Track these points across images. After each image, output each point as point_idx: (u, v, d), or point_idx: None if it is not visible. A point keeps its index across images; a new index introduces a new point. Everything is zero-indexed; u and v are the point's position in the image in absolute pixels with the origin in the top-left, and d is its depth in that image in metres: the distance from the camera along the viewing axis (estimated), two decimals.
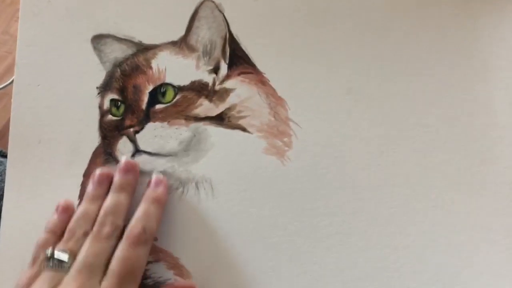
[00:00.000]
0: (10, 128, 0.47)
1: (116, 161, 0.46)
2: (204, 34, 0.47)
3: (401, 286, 0.41)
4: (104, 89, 0.48)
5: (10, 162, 0.47)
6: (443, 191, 0.42)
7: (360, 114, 0.44)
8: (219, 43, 0.47)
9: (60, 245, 0.41)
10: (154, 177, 0.44)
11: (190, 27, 0.47)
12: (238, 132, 0.45)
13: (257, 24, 0.47)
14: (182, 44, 0.47)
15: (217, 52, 0.47)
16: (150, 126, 0.46)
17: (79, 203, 0.45)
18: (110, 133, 0.47)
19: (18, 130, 0.47)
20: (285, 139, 0.45)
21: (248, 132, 0.45)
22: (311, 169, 0.44)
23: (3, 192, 0.47)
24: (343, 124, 0.44)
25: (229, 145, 0.45)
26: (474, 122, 0.43)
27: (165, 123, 0.45)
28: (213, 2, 0.47)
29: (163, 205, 0.43)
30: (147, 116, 0.46)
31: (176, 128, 0.45)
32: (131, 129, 0.46)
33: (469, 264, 0.41)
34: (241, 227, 0.43)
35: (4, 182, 0.47)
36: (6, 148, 0.48)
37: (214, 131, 0.45)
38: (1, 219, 0.46)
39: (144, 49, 0.48)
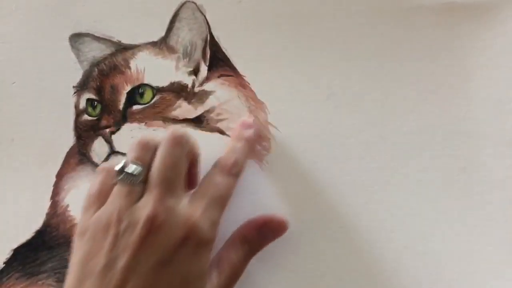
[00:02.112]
0: None
1: (91, 161, 0.45)
2: (185, 35, 0.46)
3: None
4: (80, 88, 0.47)
5: None
6: (423, 198, 0.42)
7: (340, 119, 0.44)
8: (199, 45, 0.46)
9: (133, 157, 0.38)
10: (242, 119, 0.44)
11: (171, 28, 0.46)
12: (216, 135, 0.44)
13: (239, 26, 0.46)
14: (162, 44, 0.47)
15: (198, 54, 0.46)
16: (126, 127, 0.45)
17: (51, 204, 0.44)
18: (85, 133, 0.46)
19: None
20: (264, 143, 0.44)
21: (227, 135, 0.44)
22: (289, 174, 0.43)
23: None
24: (323, 129, 0.44)
25: (207, 148, 0.44)
26: (454, 129, 0.42)
27: (143, 124, 0.45)
28: (194, 3, 0.46)
29: (252, 146, 0.43)
30: (124, 117, 0.45)
31: (154, 130, 0.45)
32: (107, 130, 0.45)
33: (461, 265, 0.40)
34: (219, 230, 0.43)
35: None
36: None
37: (192, 134, 0.44)
38: None
39: (123, 49, 0.47)
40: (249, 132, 0.43)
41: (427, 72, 0.44)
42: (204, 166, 0.43)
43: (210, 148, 0.44)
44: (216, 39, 0.46)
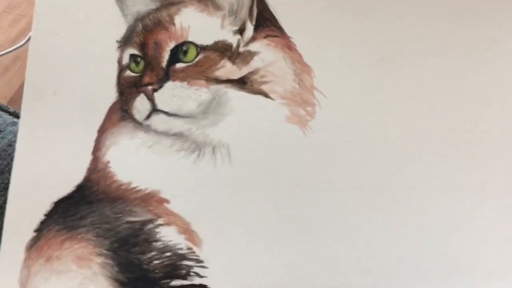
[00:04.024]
0: (26, 77, 0.46)
1: (132, 118, 0.44)
2: None
3: (416, 265, 0.40)
4: (124, 43, 0.46)
5: (23, 112, 0.45)
6: (470, 172, 0.40)
7: (388, 86, 0.42)
8: (246, 3, 0.45)
9: None
10: None
11: None
12: (259, 98, 0.43)
13: None
14: (208, 1, 0.45)
15: (244, 12, 0.45)
16: (169, 85, 0.44)
17: (92, 160, 0.44)
18: (127, 90, 0.45)
19: (34, 80, 0.46)
20: (308, 108, 0.43)
21: (270, 98, 0.43)
22: (333, 140, 0.42)
23: None
24: (370, 96, 0.42)
25: (250, 111, 0.43)
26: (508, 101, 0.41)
27: (185, 83, 0.44)
28: None
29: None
30: (166, 75, 0.44)
31: (196, 89, 0.44)
32: (150, 87, 0.44)
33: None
34: (256, 196, 0.42)
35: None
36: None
37: (235, 95, 0.43)
38: (12, 170, 0.45)
39: (168, 4, 0.46)
40: None
41: (488, 39, 0.41)
42: (245, 127, 0.42)
43: (252, 111, 0.43)
44: None
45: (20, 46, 0.81)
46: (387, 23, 0.43)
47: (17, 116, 0.62)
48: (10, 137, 0.56)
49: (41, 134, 0.45)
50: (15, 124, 0.59)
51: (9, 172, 0.51)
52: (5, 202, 0.48)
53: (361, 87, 0.43)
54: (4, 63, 1.12)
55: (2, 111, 0.62)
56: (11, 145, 0.54)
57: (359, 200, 0.41)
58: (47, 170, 0.44)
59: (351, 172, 0.42)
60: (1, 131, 0.56)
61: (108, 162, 0.44)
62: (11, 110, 0.63)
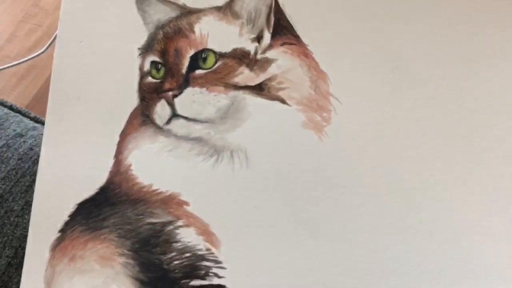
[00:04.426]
0: (51, 83, 0.48)
1: (153, 123, 0.46)
2: (250, 1, 0.46)
3: (431, 269, 0.40)
4: (145, 50, 0.47)
5: (48, 117, 0.47)
6: (486, 179, 0.41)
7: (403, 94, 0.43)
8: (264, 11, 0.46)
9: None
10: None
11: None
12: (277, 104, 0.44)
13: None
14: (227, 10, 0.46)
15: (261, 21, 0.46)
16: (189, 91, 0.45)
17: (115, 163, 0.46)
18: (148, 95, 0.46)
19: (59, 86, 0.48)
20: (324, 114, 0.44)
21: (287, 104, 0.44)
22: (348, 146, 0.43)
23: (38, 157, 0.47)
24: (385, 102, 0.43)
25: (267, 116, 0.44)
26: None
27: (204, 89, 0.45)
28: None
29: None
30: (186, 81, 0.45)
31: (215, 95, 0.45)
32: (170, 93, 0.45)
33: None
34: (273, 199, 0.43)
35: (39, 147, 0.47)
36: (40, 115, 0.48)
37: (252, 101, 0.45)
38: (37, 172, 0.46)
39: (188, 13, 0.47)
40: None
41: (508, 48, 0.42)
42: (262, 132, 0.43)
43: (270, 116, 0.44)
44: (281, 6, 0.46)
45: (37, 55, 0.82)
46: (403, 31, 0.44)
47: (37, 121, 0.64)
48: (31, 141, 0.58)
49: (65, 138, 0.47)
50: (35, 128, 0.60)
51: (30, 175, 0.53)
52: (26, 204, 0.50)
53: (376, 93, 0.44)
54: (20, 71, 1.15)
55: (23, 116, 0.64)
56: (32, 149, 0.56)
57: (375, 204, 0.42)
58: (71, 172, 0.46)
59: (367, 177, 0.42)
60: (23, 136, 0.58)
61: (130, 165, 0.45)
62: (31, 115, 0.65)
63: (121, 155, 0.46)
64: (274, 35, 0.46)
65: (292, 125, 0.44)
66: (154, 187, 0.45)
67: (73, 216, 0.45)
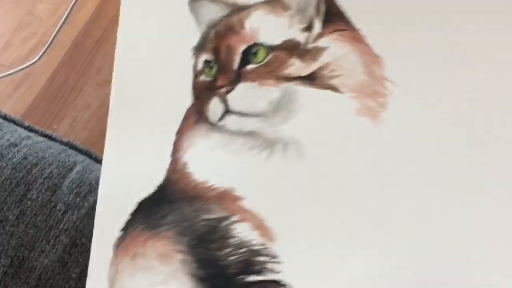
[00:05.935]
0: (113, 85, 0.49)
1: (207, 120, 0.46)
2: None
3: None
4: (198, 50, 0.48)
5: (111, 117, 0.49)
6: None
7: (465, 73, 0.40)
8: (313, 0, 0.45)
9: None
10: None
11: None
12: (329, 92, 0.43)
13: None
14: (276, 2, 0.46)
15: (311, 10, 0.45)
16: (241, 87, 0.45)
17: (172, 161, 0.46)
18: (202, 94, 0.47)
19: (119, 88, 0.49)
20: (380, 99, 0.42)
21: (340, 92, 0.43)
22: (407, 132, 0.41)
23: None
24: (446, 83, 0.40)
25: (320, 106, 0.43)
26: None
27: (256, 83, 0.45)
28: None
29: None
30: (238, 77, 0.45)
31: (266, 89, 0.44)
32: (223, 90, 0.45)
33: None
34: (329, 191, 0.41)
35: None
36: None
37: (304, 91, 0.44)
38: (101, 173, 0.48)
39: (238, 10, 0.47)
40: None
41: None
42: (316, 123, 0.42)
43: (322, 106, 0.43)
44: None
45: (32, 64, 0.84)
46: (460, 7, 0.41)
47: (31, 130, 0.64)
48: (25, 150, 0.57)
49: (126, 138, 0.48)
50: (29, 138, 0.60)
51: (24, 184, 0.53)
52: (20, 213, 0.50)
53: (435, 74, 0.41)
54: (16, 80, 1.16)
55: (17, 125, 0.64)
56: (26, 158, 0.56)
57: (436, 195, 0.39)
58: (132, 172, 0.47)
59: (426, 165, 0.40)
60: (17, 145, 0.58)
61: (186, 162, 0.46)
62: (25, 124, 0.65)
63: (178, 153, 0.46)
64: (324, 23, 0.44)
65: (346, 113, 0.42)
66: (209, 183, 0.44)
67: (134, 215, 0.46)
